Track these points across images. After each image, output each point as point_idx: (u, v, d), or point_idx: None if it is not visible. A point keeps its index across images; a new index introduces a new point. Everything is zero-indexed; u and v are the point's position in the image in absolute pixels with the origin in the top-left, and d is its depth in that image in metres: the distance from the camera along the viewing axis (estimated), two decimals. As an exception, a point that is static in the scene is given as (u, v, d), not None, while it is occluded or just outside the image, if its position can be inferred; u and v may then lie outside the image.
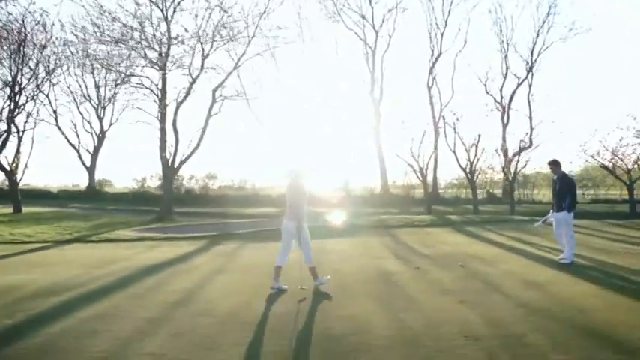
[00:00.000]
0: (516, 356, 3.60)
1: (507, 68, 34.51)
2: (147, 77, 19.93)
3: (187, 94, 19.42)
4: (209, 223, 17.57)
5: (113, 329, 4.35)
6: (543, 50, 32.96)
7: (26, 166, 22.54)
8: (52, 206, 28.04)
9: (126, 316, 4.78)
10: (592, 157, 21.97)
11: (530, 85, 35.19)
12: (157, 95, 19.89)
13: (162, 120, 20.11)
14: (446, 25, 32.13)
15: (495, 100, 35.04)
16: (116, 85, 22.85)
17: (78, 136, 35.78)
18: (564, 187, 7.84)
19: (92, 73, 29.35)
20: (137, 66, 19.11)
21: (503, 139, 34.52)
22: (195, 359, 3.67)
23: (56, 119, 34.65)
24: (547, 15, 32.53)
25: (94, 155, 36.35)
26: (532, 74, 34.81)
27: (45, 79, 20.96)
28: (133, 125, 40.38)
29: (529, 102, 35.36)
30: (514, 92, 33.92)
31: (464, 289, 5.81)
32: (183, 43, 18.86)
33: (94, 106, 35.39)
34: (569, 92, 54.48)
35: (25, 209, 22.33)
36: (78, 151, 35.80)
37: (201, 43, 18.97)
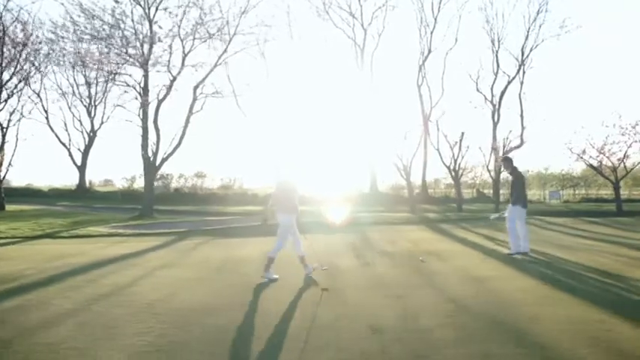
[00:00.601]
0: (411, 349, 3.54)
1: (498, 66, 34.42)
2: (129, 75, 19.90)
3: (168, 91, 19.37)
4: (186, 220, 17.56)
5: (22, 320, 4.31)
6: (534, 48, 32.84)
7: (10, 164, 22.46)
8: (40, 204, 28.03)
9: (44, 308, 4.73)
10: (579, 155, 21.83)
11: (521, 83, 35.13)
12: (139, 93, 19.86)
13: (144, 118, 20.07)
14: (435, 22, 32.06)
15: (486, 99, 34.96)
16: (97, 82, 22.76)
17: (69, 134, 35.87)
18: (515, 183, 8.14)
19: (73, 70, 29.16)
20: (118, 64, 19.01)
21: (494, 138, 34.55)
22: (91, 348, 3.63)
23: (47, 118, 34.69)
24: (537, 13, 32.43)
25: (85, 154, 36.35)
26: (524, 72, 34.73)
27: (27, 76, 20.71)
28: (123, 123, 40.43)
29: (520, 100, 35.28)
30: (504, 90, 33.79)
31: (404, 284, 5.76)
32: (160, 40, 18.82)
33: (84, 105, 35.41)
34: (561, 90, 54.52)
35: (10, 207, 22.29)
36: (69, 150, 35.83)
37: (182, 41, 18.95)
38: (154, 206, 20.54)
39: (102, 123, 36.60)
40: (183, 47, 19.03)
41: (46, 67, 21.29)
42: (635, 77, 69.19)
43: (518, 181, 8.16)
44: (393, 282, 5.92)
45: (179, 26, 18.66)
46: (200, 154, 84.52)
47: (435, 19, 31.93)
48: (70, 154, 35.86)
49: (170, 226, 14.59)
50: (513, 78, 33.54)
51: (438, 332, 3.91)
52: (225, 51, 19.72)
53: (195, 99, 19.98)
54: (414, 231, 12.59)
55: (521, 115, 35.19)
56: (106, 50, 18.79)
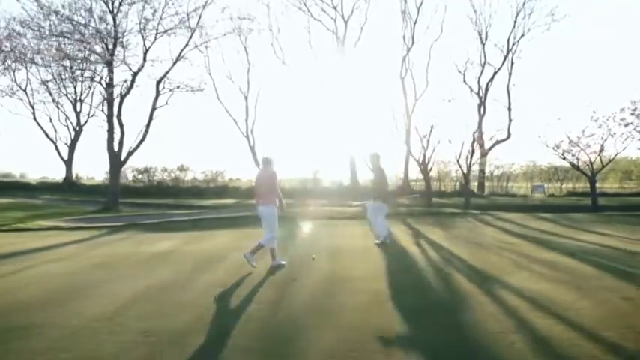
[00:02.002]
0: (152, 344, 3.50)
1: (485, 57, 33.83)
2: (93, 71, 19.88)
3: (130, 86, 19.35)
4: (147, 214, 17.57)
5: None
6: (521, 37, 32.21)
7: None
8: (23, 197, 28.36)
9: None
10: (553, 148, 21.37)
11: (510, 75, 34.50)
12: (104, 88, 19.86)
13: (110, 113, 20.08)
14: (418, 13, 31.45)
15: (472, 90, 34.44)
16: (64, 78, 22.68)
17: (55, 129, 36.13)
18: (377, 179, 8.64)
19: (33, 66, 29.00)
20: (80, 61, 18.97)
21: (480, 131, 34.04)
22: None
23: (33, 113, 34.97)
24: (524, 2, 31.73)
25: (72, 148, 36.60)
26: (512, 63, 34.09)
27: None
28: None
29: (508, 92, 34.69)
30: (490, 81, 33.25)
31: (243, 283, 5.70)
32: (123, 36, 18.76)
33: (70, 101, 35.57)
34: (552, 83, 53.53)
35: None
36: (55, 144, 36.14)
37: (143, 37, 18.87)
38: (133, 199, 20.67)
39: (89, 117, 36.79)
40: (144, 42, 18.98)
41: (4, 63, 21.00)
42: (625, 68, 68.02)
43: (382, 178, 8.64)
44: (236, 280, 5.83)
45: (140, 20, 18.60)
46: (185, 147, 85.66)
47: (418, 10, 31.38)
48: (57, 149, 36.21)
49: (120, 220, 14.59)
50: (499, 69, 32.98)
51: (195, 337, 3.81)
52: (186, 45, 19.62)
53: (158, 94, 19.94)
54: (352, 226, 12.40)
55: (509, 108, 34.63)
56: (69, 47, 18.76)
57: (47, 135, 35.83)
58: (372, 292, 5.14)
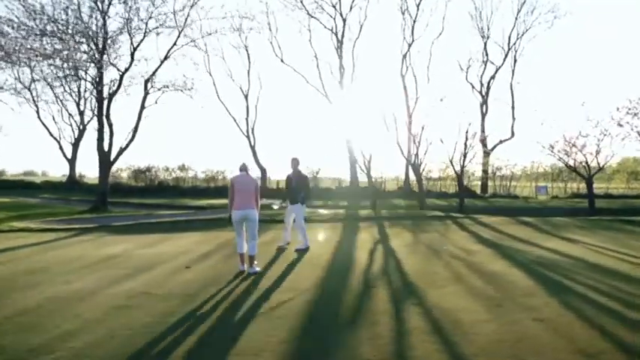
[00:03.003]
0: None
1: (487, 55, 33.15)
2: (84, 71, 19.93)
3: (118, 86, 19.35)
4: (133, 214, 17.54)
5: None
6: (523, 34, 31.49)
7: None
8: (22, 196, 28.76)
9: None
10: (549, 149, 20.71)
11: (513, 72, 33.77)
12: (94, 86, 19.92)
13: (100, 112, 20.13)
14: (418, 10, 30.94)
15: (473, 88, 33.80)
16: (58, 77, 22.75)
17: (59, 128, 36.63)
18: (300, 183, 8.86)
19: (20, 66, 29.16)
20: (71, 60, 18.99)
21: (482, 129, 33.38)
22: None
23: (37, 112, 35.43)
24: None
25: (75, 147, 37.01)
26: (514, 60, 33.36)
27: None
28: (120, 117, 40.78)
29: (512, 90, 33.98)
30: (492, 79, 32.61)
31: (149, 294, 5.48)
32: (113, 36, 18.78)
33: (74, 100, 35.94)
34: (557, 82, 52.12)
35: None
36: (59, 143, 36.57)
37: (131, 36, 18.86)
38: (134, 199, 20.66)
39: (93, 116, 37.09)
40: (132, 41, 18.95)
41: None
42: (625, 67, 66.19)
43: (307, 182, 9.06)
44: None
45: (127, 19, 18.57)
46: (186, 147, 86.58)
47: (418, 7, 30.85)
48: (61, 147, 36.64)
49: (95, 221, 14.52)
50: (501, 66, 32.31)
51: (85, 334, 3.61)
52: (174, 44, 19.55)
53: (147, 93, 19.91)
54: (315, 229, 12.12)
55: (512, 107, 34.02)
56: (58, 47, 18.80)
57: (51, 134, 36.33)
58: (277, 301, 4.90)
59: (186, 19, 19.20)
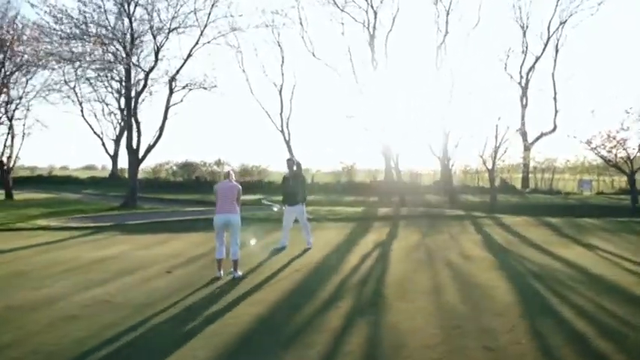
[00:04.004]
0: None
1: (526, 45, 31.38)
2: (111, 70, 20.54)
3: (144, 85, 19.80)
4: (160, 211, 17.97)
5: None
6: (563, 23, 29.52)
7: (17, 157, 24.42)
8: (65, 192, 30.28)
9: None
10: (587, 143, 19.32)
11: (555, 61, 31.80)
12: (121, 84, 20.53)
13: (128, 111, 20.72)
14: (451, 0, 29.54)
15: (512, 78, 32.13)
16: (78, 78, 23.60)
17: (100, 125, 38.16)
18: (297, 183, 8.90)
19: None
20: (99, 60, 19.61)
21: (522, 122, 31.70)
22: None
23: (82, 110, 37.10)
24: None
25: (117, 143, 38.54)
26: (557, 50, 31.40)
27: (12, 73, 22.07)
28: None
29: (554, 81, 32.05)
30: (531, 70, 30.84)
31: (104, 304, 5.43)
32: (139, 36, 19.20)
33: (115, 98, 37.34)
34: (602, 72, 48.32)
35: (22, 196, 24.25)
36: (102, 139, 38.20)
37: (154, 36, 19.19)
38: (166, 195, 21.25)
39: (137, 113, 38.41)
40: (155, 41, 19.29)
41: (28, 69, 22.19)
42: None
43: (304, 182, 9.20)
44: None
45: (151, 18, 18.90)
46: (223, 142, 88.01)
47: (452, -3, 29.47)
48: (103, 144, 38.28)
49: (117, 219, 14.89)
50: (540, 56, 30.47)
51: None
52: (197, 42, 19.73)
53: (171, 92, 20.25)
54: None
55: (554, 98, 32.08)
56: (88, 49, 19.44)
57: (94, 131, 37.97)
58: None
59: (207, 18, 19.33)
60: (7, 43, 19.73)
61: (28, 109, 23.93)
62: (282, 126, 35.66)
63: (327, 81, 59.73)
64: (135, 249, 9.37)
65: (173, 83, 20.11)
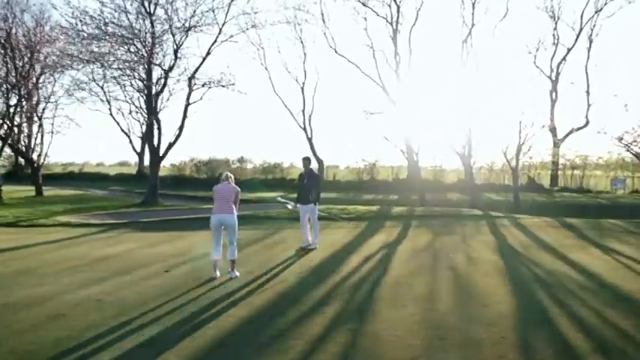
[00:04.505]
0: None
1: (557, 37, 30.20)
2: (133, 70, 20.87)
3: (164, 84, 20.09)
4: (171, 208, 18.19)
5: None
6: (598, 12, 28.24)
7: (46, 154, 25.29)
8: (96, 188, 31.09)
9: None
10: (618, 139, 18.46)
11: (588, 53, 30.49)
12: (143, 83, 20.87)
13: (149, 110, 21.09)
14: (479, -9, 28.70)
15: (542, 72, 31.01)
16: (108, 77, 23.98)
17: (127, 122, 38.96)
18: (311, 182, 8.82)
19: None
20: (123, 60, 19.99)
21: (552, 118, 30.60)
22: None
23: (109, 108, 37.94)
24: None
25: (143, 140, 39.26)
26: (590, 41, 30.10)
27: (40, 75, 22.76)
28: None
29: (587, 74, 30.75)
30: (561, 63, 29.68)
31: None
32: (160, 36, 19.47)
33: (141, 96, 37.95)
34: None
35: (51, 192, 25.05)
36: (129, 137, 38.98)
37: (173, 36, 19.42)
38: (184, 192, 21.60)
39: (159, 111, 39.11)
40: (174, 39, 19.51)
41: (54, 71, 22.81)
42: None
43: (318, 181, 9.12)
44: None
45: (170, 17, 19.13)
46: (246, 140, 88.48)
47: (477, -11, 28.65)
48: (131, 142, 39.04)
49: (133, 216, 15.15)
50: (572, 48, 29.27)
51: None
52: (215, 40, 19.87)
53: (191, 90, 20.47)
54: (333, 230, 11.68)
55: (587, 92, 30.77)
56: (110, 49, 19.82)
57: (122, 128, 38.79)
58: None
59: (225, 15, 19.44)
60: (36, 46, 20.33)
61: (56, 108, 24.66)
62: (304, 123, 35.68)
63: (348, 77, 58.99)
64: (141, 247, 9.48)
65: (192, 81, 20.32)
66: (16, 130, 23.43)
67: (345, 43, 58.87)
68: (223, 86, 20.47)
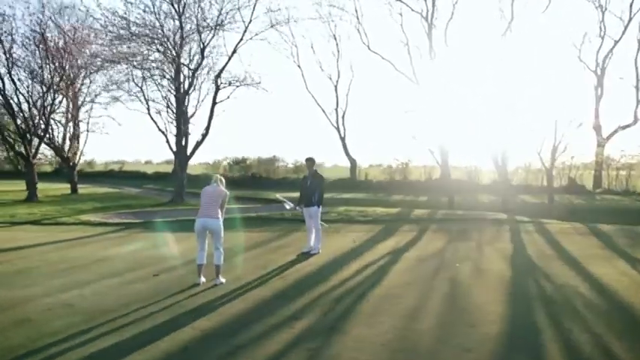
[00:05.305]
0: None
1: (604, 29, 28.29)
2: (163, 70, 21.23)
3: (191, 84, 20.30)
4: (194, 207, 18.25)
5: None
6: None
7: (82, 153, 26.19)
8: (128, 186, 31.94)
9: None
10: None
11: (639, 45, 28.37)
12: (172, 83, 21.20)
13: (178, 109, 21.42)
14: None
15: (587, 67, 29.18)
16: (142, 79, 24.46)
17: (164, 122, 39.89)
18: (314, 184, 8.63)
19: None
20: (151, 60, 20.36)
21: (597, 115, 28.82)
22: None
23: (148, 108, 38.97)
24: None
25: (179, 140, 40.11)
26: (641, 33, 28.00)
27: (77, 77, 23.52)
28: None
29: (636, 67, 28.69)
30: (607, 56, 27.84)
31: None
32: (188, 36, 19.71)
33: (176, 96, 38.75)
34: None
35: (85, 189, 26.01)
36: (166, 136, 39.91)
37: (199, 33, 19.54)
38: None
39: (195, 110, 39.85)
40: (201, 39, 19.64)
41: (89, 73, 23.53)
42: None
43: (322, 183, 8.81)
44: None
45: (197, 17, 19.28)
46: (278, 139, 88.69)
47: (516, -20, 27.29)
48: (167, 141, 39.91)
49: (149, 216, 15.17)
50: (619, 40, 27.33)
51: None
52: (241, 39, 19.90)
53: (217, 89, 20.60)
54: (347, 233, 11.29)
55: (636, 87, 28.70)
56: (140, 49, 20.22)
57: (159, 128, 39.76)
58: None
59: (252, 13, 19.42)
60: (68, 48, 21.04)
61: (92, 108, 25.53)
62: (337, 122, 35.36)
63: (382, 75, 57.98)
64: (142, 249, 9.47)
65: (219, 80, 20.45)
66: (53, 129, 24.41)
67: (376, 39, 57.78)
68: (249, 85, 20.46)
